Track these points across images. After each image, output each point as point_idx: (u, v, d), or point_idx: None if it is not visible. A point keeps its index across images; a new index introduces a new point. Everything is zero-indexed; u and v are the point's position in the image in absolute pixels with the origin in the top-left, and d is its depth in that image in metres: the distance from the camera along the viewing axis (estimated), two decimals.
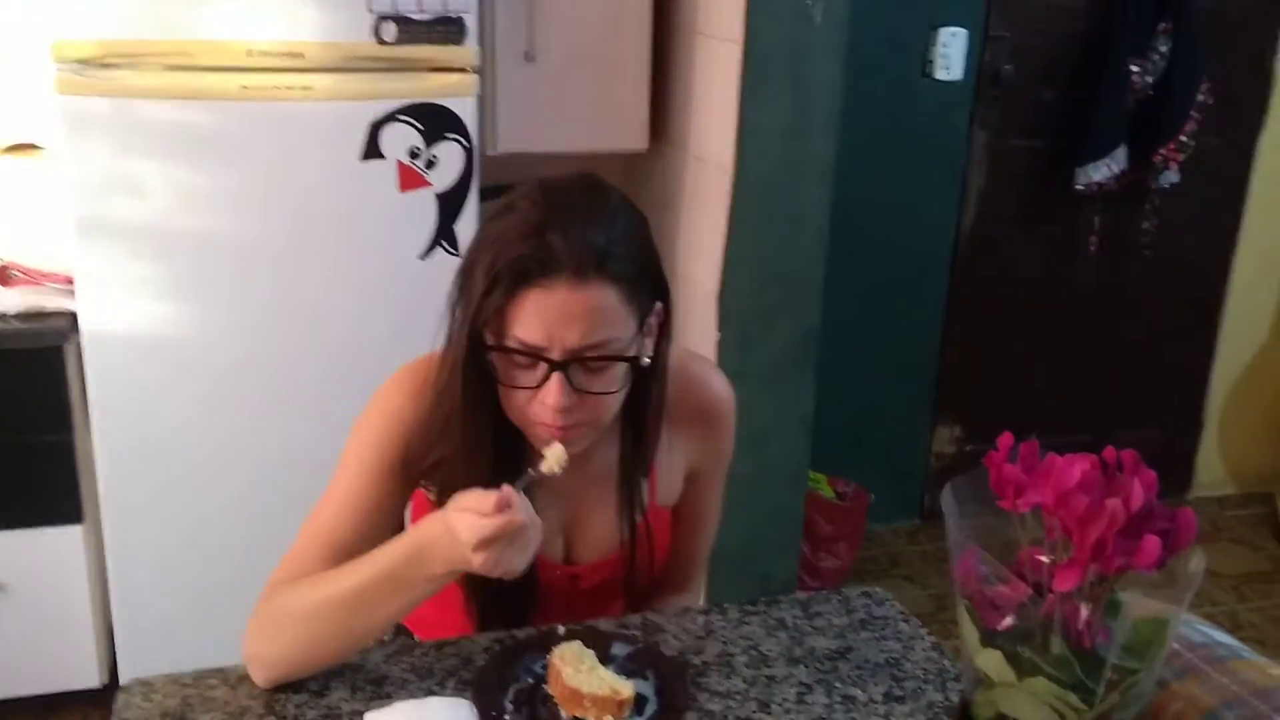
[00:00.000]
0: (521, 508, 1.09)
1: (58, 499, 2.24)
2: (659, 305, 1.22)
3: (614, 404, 1.21)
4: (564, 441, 1.18)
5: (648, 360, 1.22)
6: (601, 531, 1.37)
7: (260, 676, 1.20)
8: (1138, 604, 0.92)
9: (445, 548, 1.11)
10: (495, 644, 1.28)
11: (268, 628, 1.21)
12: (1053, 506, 0.91)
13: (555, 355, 1.13)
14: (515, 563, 1.11)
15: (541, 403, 1.16)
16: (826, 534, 2.92)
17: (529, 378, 1.16)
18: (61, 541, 2.27)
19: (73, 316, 2.14)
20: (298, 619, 1.19)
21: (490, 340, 1.16)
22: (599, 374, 1.17)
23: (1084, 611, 0.92)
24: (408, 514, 1.37)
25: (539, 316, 1.12)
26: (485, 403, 1.21)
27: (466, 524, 1.08)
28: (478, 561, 1.09)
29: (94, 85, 1.97)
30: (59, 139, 2.03)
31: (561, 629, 1.26)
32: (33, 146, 2.34)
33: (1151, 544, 0.88)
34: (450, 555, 1.11)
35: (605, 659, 1.21)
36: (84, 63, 1.95)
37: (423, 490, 1.34)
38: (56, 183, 2.10)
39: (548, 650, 1.20)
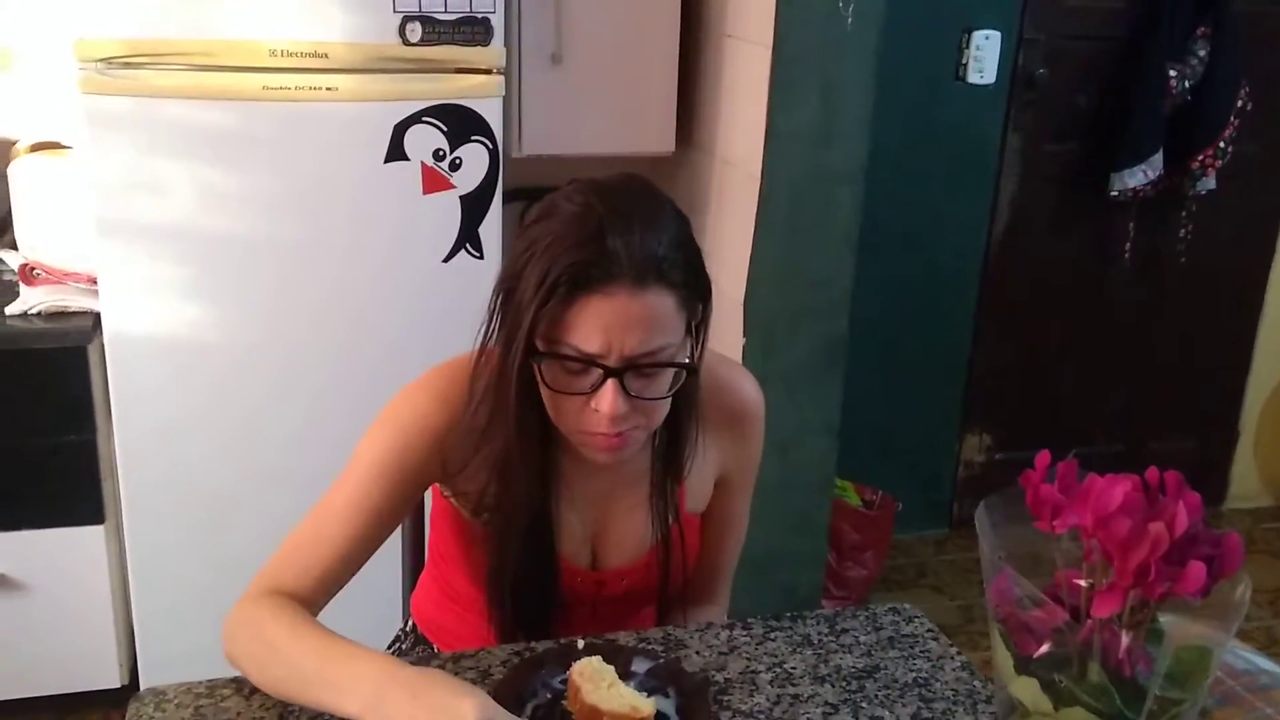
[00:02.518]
0: None
1: (80, 499, 2.24)
2: (700, 308, 1.20)
3: (665, 409, 1.20)
4: (614, 449, 1.17)
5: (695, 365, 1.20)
6: (630, 537, 1.35)
7: (229, 659, 1.19)
8: (1181, 631, 0.88)
9: (429, 711, 1.00)
10: (514, 657, 1.26)
11: (240, 634, 1.18)
12: (1092, 529, 0.88)
13: (611, 362, 1.12)
14: None
15: (595, 410, 1.14)
16: (853, 543, 2.88)
17: (581, 384, 1.14)
18: (83, 541, 2.27)
19: (96, 316, 2.14)
20: (262, 646, 1.16)
21: (542, 346, 1.14)
22: (651, 380, 1.15)
23: (1124, 639, 0.88)
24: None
25: (598, 323, 1.10)
26: (533, 410, 1.19)
27: (486, 704, 0.99)
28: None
29: (117, 84, 1.96)
30: (82, 138, 2.03)
31: (581, 643, 1.23)
32: (58, 146, 2.33)
33: (1197, 570, 0.84)
34: (404, 708, 1.01)
35: (625, 675, 1.18)
36: (107, 62, 1.94)
37: (440, 492, 1.32)
38: (80, 182, 2.09)
39: (567, 665, 1.17)
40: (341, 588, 1.25)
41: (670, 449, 1.29)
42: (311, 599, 1.22)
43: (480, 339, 1.21)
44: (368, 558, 1.26)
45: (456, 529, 1.34)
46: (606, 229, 1.10)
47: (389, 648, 1.52)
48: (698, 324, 1.20)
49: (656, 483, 1.31)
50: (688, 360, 1.18)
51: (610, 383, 1.12)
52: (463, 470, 1.24)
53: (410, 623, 1.52)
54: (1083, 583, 0.91)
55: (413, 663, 1.24)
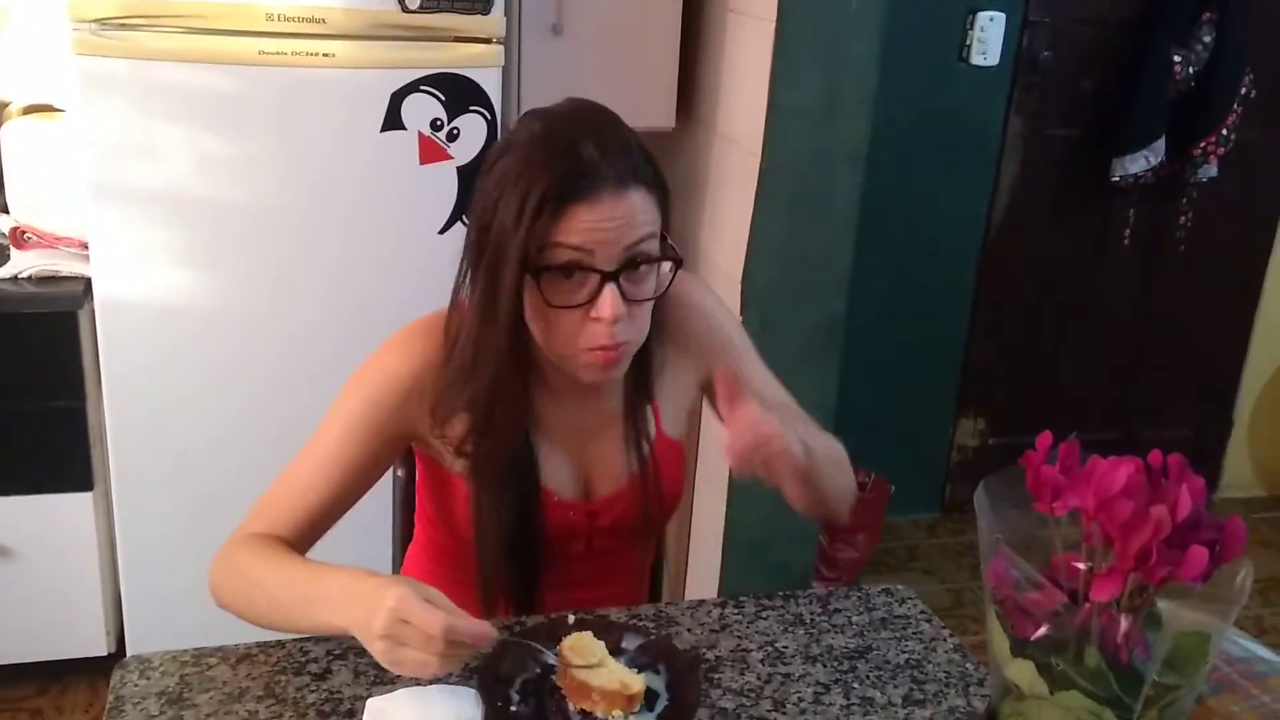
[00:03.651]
0: (462, 640, 1.01)
1: (69, 465, 2.22)
2: (667, 211, 1.22)
3: (649, 314, 1.22)
4: (611, 364, 1.20)
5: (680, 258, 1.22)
6: (614, 465, 1.35)
7: (216, 602, 1.23)
8: (1180, 617, 0.87)
9: (360, 601, 1.04)
10: (504, 631, 1.25)
11: (226, 574, 1.23)
12: (1093, 511, 0.86)
13: (606, 266, 1.14)
14: (405, 663, 1.02)
15: (595, 320, 1.15)
16: (845, 524, 2.87)
17: (579, 295, 1.16)
18: (71, 508, 2.25)
19: (87, 281, 2.12)
20: (246, 584, 1.20)
21: (536, 262, 1.15)
22: (643, 282, 1.19)
23: (1123, 623, 0.87)
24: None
25: (589, 229, 1.12)
26: (519, 340, 1.21)
27: (406, 594, 1.01)
28: (379, 622, 1.00)
29: (111, 46, 1.93)
30: (75, 101, 2.00)
31: (571, 618, 1.22)
32: (51, 108, 2.31)
33: (1198, 555, 0.83)
34: (359, 611, 1.04)
35: (615, 651, 1.17)
36: (101, 22, 1.91)
37: (423, 453, 1.33)
38: (73, 145, 2.06)
39: (557, 640, 1.16)
40: (316, 540, 1.27)
41: (637, 368, 1.30)
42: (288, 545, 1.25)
43: (454, 286, 1.24)
44: (342, 512, 1.28)
45: (441, 485, 1.35)
46: (577, 140, 1.13)
47: None
48: (665, 229, 1.22)
49: (630, 403, 1.33)
50: (673, 255, 1.20)
51: (609, 287, 1.14)
52: (450, 418, 1.26)
53: None
54: (1081, 566, 0.90)
55: None
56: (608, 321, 1.15)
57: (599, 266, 1.14)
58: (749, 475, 1.13)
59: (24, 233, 2.18)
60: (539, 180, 1.12)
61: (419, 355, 1.26)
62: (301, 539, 1.26)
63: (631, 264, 1.16)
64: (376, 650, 1.03)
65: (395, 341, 1.30)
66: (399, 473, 1.55)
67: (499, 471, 1.28)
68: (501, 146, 1.20)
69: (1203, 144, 3.01)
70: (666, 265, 1.20)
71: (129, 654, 1.39)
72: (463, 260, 1.22)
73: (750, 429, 1.12)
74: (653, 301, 1.21)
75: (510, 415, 1.25)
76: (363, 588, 1.06)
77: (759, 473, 1.13)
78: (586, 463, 1.36)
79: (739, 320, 1.45)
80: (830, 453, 1.31)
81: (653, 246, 1.17)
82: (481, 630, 1.02)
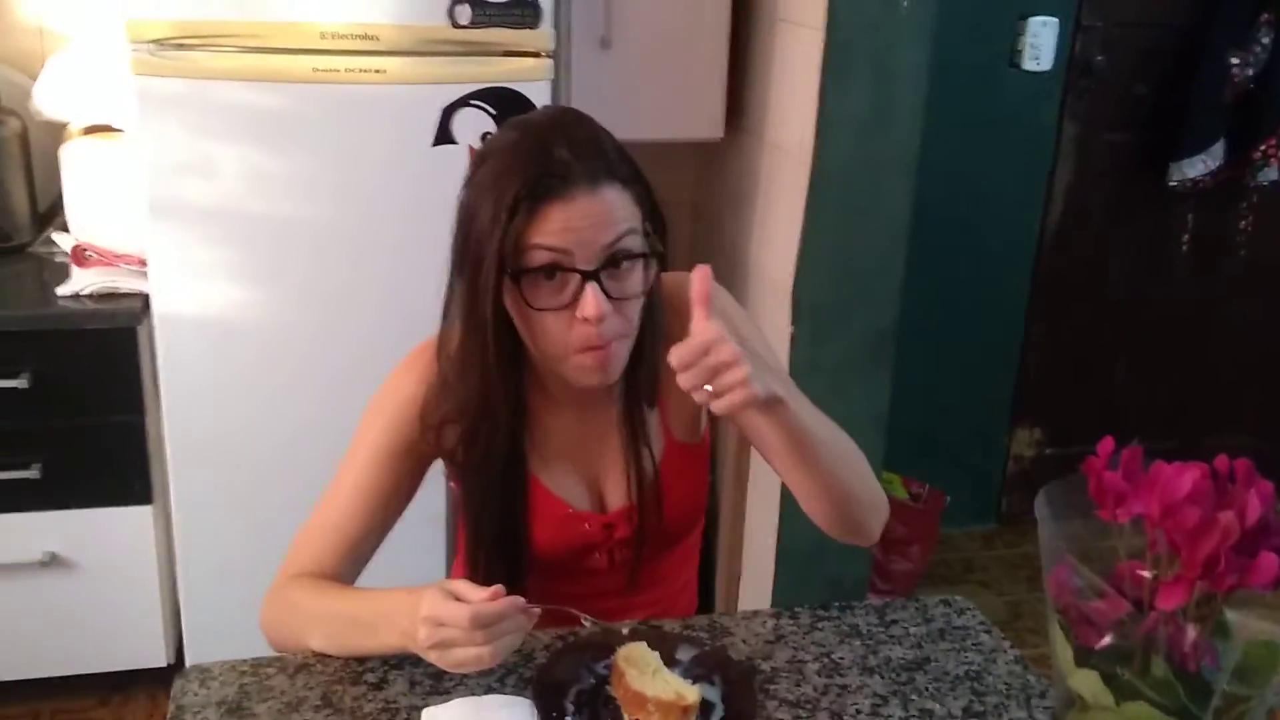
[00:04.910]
0: (493, 620, 1.05)
1: (128, 479, 2.26)
2: (650, 207, 1.21)
3: (638, 311, 1.22)
4: (604, 364, 1.19)
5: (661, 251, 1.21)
6: (625, 475, 1.34)
7: (272, 644, 1.26)
8: (1249, 625, 0.85)
9: (404, 616, 1.10)
10: (558, 641, 1.24)
11: (278, 615, 1.26)
12: (1158, 518, 0.85)
13: (585, 265, 1.14)
14: (460, 662, 1.07)
15: (581, 318, 1.15)
16: (899, 536, 2.85)
17: (561, 298, 1.16)
18: (131, 521, 2.28)
19: (145, 298, 2.15)
20: (301, 621, 1.23)
21: (513, 265, 1.15)
22: (626, 279, 1.18)
23: (1190, 632, 0.85)
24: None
25: (564, 228, 1.13)
26: (507, 345, 1.21)
27: (433, 598, 1.07)
28: (422, 634, 1.06)
29: (168, 66, 1.96)
30: (133, 120, 2.03)
31: (625, 629, 1.22)
32: (110, 129, 2.35)
33: (1269, 561, 0.81)
34: (405, 625, 1.09)
35: (670, 662, 1.16)
36: (159, 43, 1.95)
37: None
38: (131, 165, 2.10)
39: (611, 650, 1.15)
40: (361, 568, 1.30)
41: (634, 370, 1.28)
42: (334, 579, 1.27)
43: (444, 299, 1.25)
44: (382, 537, 1.31)
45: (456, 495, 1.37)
46: (550, 143, 1.15)
47: None
48: (657, 230, 1.21)
49: (629, 409, 1.31)
50: (655, 250, 1.20)
51: (590, 286, 1.14)
52: (441, 427, 1.27)
53: None
54: (1146, 574, 0.88)
55: None
56: (593, 321, 1.15)
57: (578, 266, 1.14)
58: (702, 400, 1.07)
59: (85, 250, 2.22)
60: (512, 183, 1.13)
61: (419, 370, 1.29)
62: (345, 571, 1.28)
63: (613, 261, 1.16)
64: (432, 659, 1.07)
65: (401, 364, 1.33)
66: (452, 484, 1.56)
67: (488, 477, 1.28)
68: (479, 156, 1.22)
69: (1263, 147, 2.96)
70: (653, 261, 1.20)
71: (188, 664, 1.40)
72: (449, 272, 1.24)
73: (700, 336, 1.06)
74: (641, 298, 1.20)
75: (499, 421, 1.25)
76: (402, 605, 1.10)
77: (711, 401, 1.07)
78: (595, 474, 1.35)
79: (747, 314, 1.42)
80: (840, 441, 1.27)
81: (634, 243, 1.17)
82: (505, 605, 1.04)
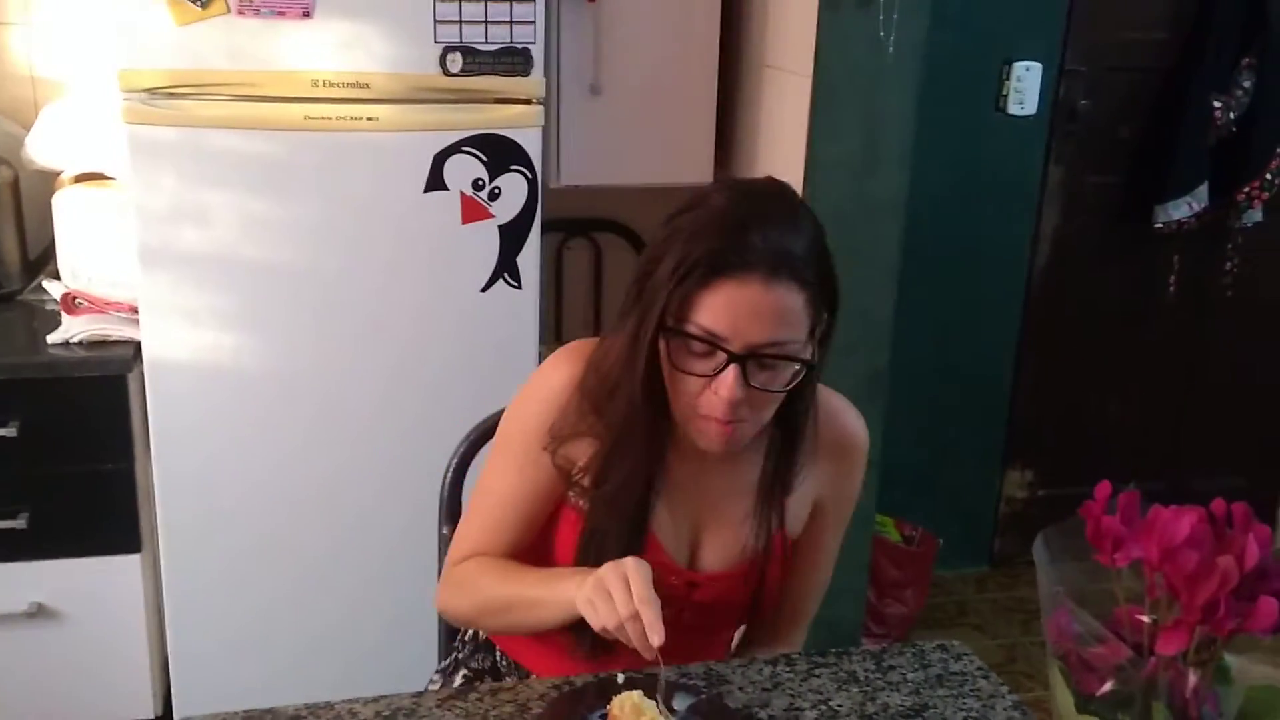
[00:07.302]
0: (648, 603, 1.11)
1: (117, 528, 2.23)
2: (826, 316, 1.23)
3: (774, 407, 1.24)
4: (724, 438, 1.21)
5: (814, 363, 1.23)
6: (730, 545, 1.35)
7: (451, 621, 1.45)
8: (1250, 670, 0.85)
9: (580, 574, 1.18)
10: (553, 690, 1.23)
11: (456, 593, 1.36)
12: (1157, 562, 0.84)
13: (736, 348, 1.16)
14: (603, 613, 1.13)
15: (714, 393, 1.18)
16: (893, 579, 2.83)
17: (703, 366, 1.18)
18: (119, 570, 2.26)
19: (136, 345, 2.14)
20: (475, 597, 1.33)
21: (672, 323, 1.18)
22: (771, 373, 1.19)
23: (1191, 677, 0.85)
24: None
25: (728, 308, 1.15)
26: (656, 389, 1.23)
27: (612, 567, 1.14)
28: (599, 572, 1.15)
29: (160, 115, 1.97)
30: (126, 168, 2.04)
31: (621, 677, 1.21)
32: (102, 177, 2.35)
33: (1268, 606, 0.81)
34: (580, 578, 1.17)
35: (667, 710, 1.15)
36: (151, 92, 1.96)
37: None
38: (123, 213, 2.10)
39: (607, 699, 1.14)
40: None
41: (783, 458, 1.31)
42: None
43: (620, 310, 1.26)
44: (538, 524, 1.35)
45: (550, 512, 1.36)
46: (748, 223, 1.16)
47: (450, 650, 1.53)
48: (823, 332, 1.23)
49: (765, 490, 1.33)
50: (809, 359, 1.21)
51: (732, 368, 1.16)
52: (570, 438, 1.29)
53: (471, 631, 1.51)
54: (1146, 618, 0.87)
55: (446, 697, 1.23)
56: (724, 400, 1.17)
57: (728, 347, 1.16)
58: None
59: (75, 298, 2.22)
60: (698, 246, 1.15)
61: (572, 364, 1.31)
62: (507, 554, 1.35)
63: (761, 355, 1.17)
64: (584, 593, 1.15)
65: (555, 360, 1.33)
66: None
67: (617, 510, 1.28)
68: (692, 200, 1.22)
69: (1246, 189, 2.99)
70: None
71: (176, 716, 1.38)
72: (627, 293, 1.25)
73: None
74: (780, 395, 1.22)
75: (638, 456, 1.27)
76: (579, 571, 1.21)
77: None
78: (698, 532, 1.36)
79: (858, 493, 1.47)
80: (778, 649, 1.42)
81: (790, 348, 1.18)
82: (657, 608, 1.11)
